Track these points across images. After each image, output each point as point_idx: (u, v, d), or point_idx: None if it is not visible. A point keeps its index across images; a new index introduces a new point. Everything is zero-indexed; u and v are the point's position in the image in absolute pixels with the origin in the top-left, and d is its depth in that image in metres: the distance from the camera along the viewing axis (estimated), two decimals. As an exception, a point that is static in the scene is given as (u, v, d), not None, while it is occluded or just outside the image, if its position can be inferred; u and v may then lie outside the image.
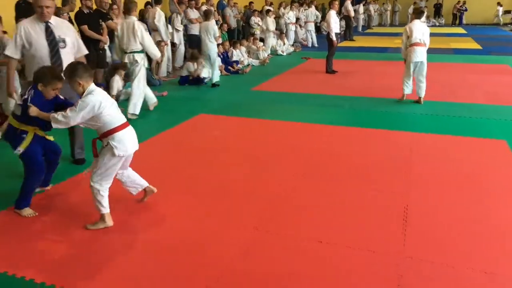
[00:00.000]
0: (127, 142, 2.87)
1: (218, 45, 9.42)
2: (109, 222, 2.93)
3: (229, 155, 4.30)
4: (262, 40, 11.75)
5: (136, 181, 3.19)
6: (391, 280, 2.36)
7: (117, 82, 6.73)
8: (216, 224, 2.97)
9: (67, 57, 3.66)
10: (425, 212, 3.10)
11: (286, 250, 2.66)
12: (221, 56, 9.31)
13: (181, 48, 9.72)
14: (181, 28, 9.60)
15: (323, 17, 20.41)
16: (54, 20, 3.67)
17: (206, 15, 7.80)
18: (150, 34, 8.18)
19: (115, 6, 7.71)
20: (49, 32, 3.60)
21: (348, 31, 15.60)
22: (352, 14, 15.19)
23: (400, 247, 2.65)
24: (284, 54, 12.23)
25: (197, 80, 7.96)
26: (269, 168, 3.95)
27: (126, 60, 5.64)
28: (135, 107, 5.62)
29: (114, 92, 6.66)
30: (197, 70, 8.03)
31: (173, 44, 9.39)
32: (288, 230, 2.89)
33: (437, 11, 24.77)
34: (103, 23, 6.87)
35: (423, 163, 4.04)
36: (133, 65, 5.63)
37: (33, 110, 2.86)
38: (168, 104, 6.52)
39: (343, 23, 15.90)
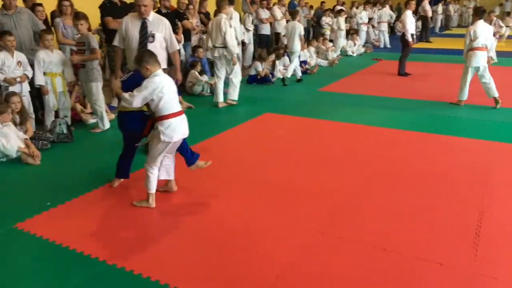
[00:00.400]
0: (175, 130, 3.06)
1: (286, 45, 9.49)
2: (152, 203, 3.16)
3: (292, 155, 4.31)
4: (331, 40, 11.60)
5: (169, 170, 3.36)
6: (459, 296, 2.25)
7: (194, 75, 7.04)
8: (277, 224, 3.00)
9: (154, 50, 3.80)
10: (500, 227, 2.90)
11: (348, 254, 2.62)
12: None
13: (250, 48, 9.87)
14: (251, 28, 9.75)
15: (398, 17, 19.71)
16: (152, 17, 4.16)
17: (293, 15, 8.30)
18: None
19: (191, 6, 8.03)
20: (143, 27, 4.09)
21: (425, 32, 14.88)
22: (430, 14, 14.47)
23: (470, 262, 2.51)
24: (354, 55, 11.95)
25: (265, 79, 8.05)
26: (332, 170, 3.91)
27: (216, 54, 6.17)
28: (234, 93, 6.35)
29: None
30: (264, 69, 8.13)
31: (243, 44, 9.57)
32: (350, 234, 2.84)
33: None
34: (178, 22, 7.19)
35: (502, 174, 3.77)
36: (221, 58, 6.17)
37: (115, 84, 3.32)
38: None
39: (419, 23, 15.21)
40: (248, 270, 2.48)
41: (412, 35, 8.67)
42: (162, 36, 4.19)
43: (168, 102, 3.02)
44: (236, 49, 6.39)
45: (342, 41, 11.62)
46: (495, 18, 10.38)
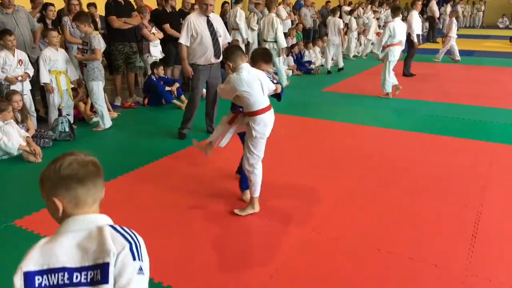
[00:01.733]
0: (266, 125, 2.91)
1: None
2: (257, 207, 3.05)
3: (292, 154, 4.30)
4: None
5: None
6: (452, 297, 2.23)
7: None
8: (272, 223, 3.00)
9: (221, 43, 4.59)
10: (497, 230, 2.87)
11: (342, 254, 2.61)
12: (294, 57, 9.33)
13: (254, 47, 9.87)
14: (256, 27, 9.75)
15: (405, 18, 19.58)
16: (211, 15, 4.56)
17: (333, 12, 9.28)
18: (229, 33, 8.49)
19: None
20: (210, 24, 4.50)
21: (432, 32, 14.78)
22: (437, 15, 14.38)
23: (465, 264, 2.49)
24: (359, 55, 11.90)
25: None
26: (329, 169, 3.90)
27: (266, 47, 7.02)
28: (282, 79, 7.36)
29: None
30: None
31: (247, 43, 9.58)
32: (345, 234, 2.84)
33: None
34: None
35: (503, 177, 3.74)
36: (271, 50, 7.03)
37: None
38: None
39: (427, 24, 15.12)
40: (242, 269, 2.48)
41: (418, 35, 8.61)
42: (223, 31, 4.65)
43: (254, 97, 2.80)
44: (284, 43, 7.45)
45: (354, 42, 11.57)
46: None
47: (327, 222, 3.00)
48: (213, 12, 4.63)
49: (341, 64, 9.47)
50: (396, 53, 6.70)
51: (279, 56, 7.33)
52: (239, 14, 8.48)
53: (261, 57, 3.10)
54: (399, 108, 6.20)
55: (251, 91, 2.79)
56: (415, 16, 8.52)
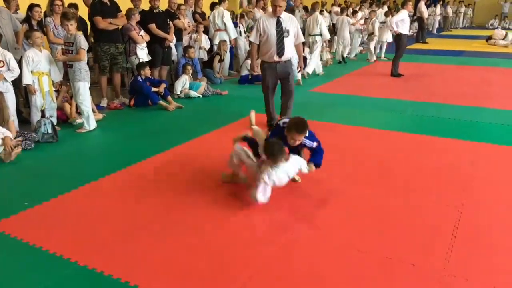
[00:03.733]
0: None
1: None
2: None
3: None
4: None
5: None
6: (429, 297, 2.23)
7: (182, 82, 6.98)
8: (252, 224, 2.98)
9: (289, 43, 4.83)
10: (477, 230, 2.87)
11: (322, 255, 2.60)
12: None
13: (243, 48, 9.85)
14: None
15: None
16: (284, 15, 4.77)
17: (342, 11, 10.97)
18: (214, 34, 8.47)
19: (183, 7, 8.02)
20: (278, 24, 4.74)
21: (421, 33, 14.87)
22: (426, 15, 14.46)
23: (443, 264, 2.49)
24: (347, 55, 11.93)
25: (257, 79, 8.02)
26: (317, 169, 3.88)
27: (310, 40, 8.70)
28: (311, 69, 8.70)
29: (178, 91, 6.92)
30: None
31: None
32: (325, 235, 2.83)
33: None
34: (170, 22, 7.19)
35: (484, 176, 3.75)
36: (314, 43, 8.74)
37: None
38: (225, 103, 6.68)
39: (416, 24, 15.21)
40: (220, 270, 2.46)
41: (405, 35, 8.66)
42: (294, 32, 4.83)
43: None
44: (328, 35, 8.99)
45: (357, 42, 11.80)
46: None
47: (307, 222, 2.99)
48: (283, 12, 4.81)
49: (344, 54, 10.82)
50: None
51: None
52: (226, 14, 8.49)
53: (294, 127, 3.21)
54: (386, 108, 6.22)
55: (277, 182, 3.14)
56: (404, 16, 8.57)
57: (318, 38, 8.70)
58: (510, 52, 12.56)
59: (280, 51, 4.77)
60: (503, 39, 14.46)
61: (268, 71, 4.94)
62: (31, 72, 4.85)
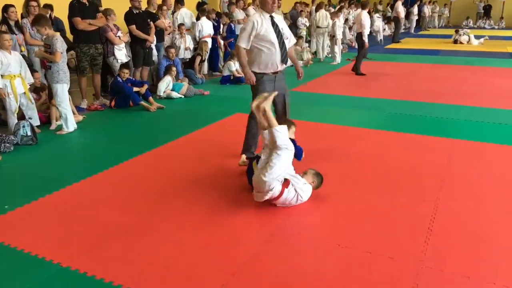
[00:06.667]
0: None
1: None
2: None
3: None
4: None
5: None
6: (406, 288, 2.31)
7: (166, 83, 6.97)
8: (234, 222, 3.03)
9: (288, 47, 3.95)
10: (451, 222, 2.98)
11: (303, 251, 2.67)
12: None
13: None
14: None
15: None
16: (274, 14, 3.92)
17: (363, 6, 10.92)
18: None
19: (164, 7, 7.99)
20: (275, 25, 3.85)
21: (396, 32, 15.15)
22: (402, 15, 14.73)
23: (420, 256, 2.58)
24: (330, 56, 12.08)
25: (238, 80, 8.08)
26: (297, 166, 3.93)
27: (320, 32, 10.64)
28: (336, 56, 10.59)
29: (161, 92, 6.90)
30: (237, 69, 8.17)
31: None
32: (306, 231, 2.90)
33: (487, 12, 23.64)
34: (151, 22, 7.15)
35: (460, 171, 3.88)
36: (323, 35, 10.66)
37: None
38: (207, 103, 6.70)
39: (393, 24, 15.49)
40: (203, 268, 2.49)
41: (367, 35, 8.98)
42: (288, 31, 4.01)
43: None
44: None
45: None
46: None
47: (288, 218, 3.05)
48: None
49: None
50: None
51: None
52: (191, 15, 8.65)
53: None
54: (364, 106, 6.34)
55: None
56: (365, 16, 8.80)
57: (325, 29, 10.66)
58: (484, 51, 12.92)
59: (284, 57, 3.90)
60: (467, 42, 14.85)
61: (267, 85, 3.91)
62: (2, 76, 4.72)
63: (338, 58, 10.81)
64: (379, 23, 14.61)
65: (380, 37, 14.61)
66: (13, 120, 4.81)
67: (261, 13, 3.86)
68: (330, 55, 11.06)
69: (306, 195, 3.20)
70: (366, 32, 8.72)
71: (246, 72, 3.89)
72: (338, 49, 10.83)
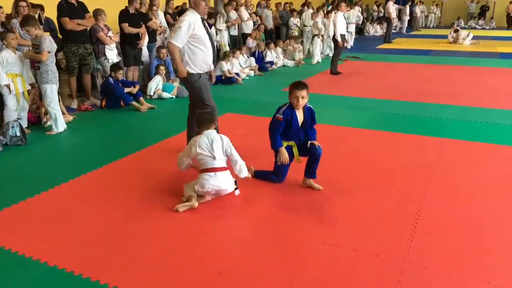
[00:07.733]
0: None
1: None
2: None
3: (245, 152, 4.32)
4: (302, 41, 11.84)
5: None
6: (388, 285, 2.34)
7: (156, 82, 6.97)
8: (221, 220, 3.04)
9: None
10: (436, 220, 3.03)
11: (289, 249, 2.69)
12: (256, 57, 9.43)
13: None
14: (223, 27, 9.76)
15: (366, 19, 20.09)
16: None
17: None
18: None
19: (154, 8, 7.98)
20: (205, 26, 4.04)
21: (387, 32, 15.24)
22: (393, 16, 14.82)
23: (404, 253, 2.62)
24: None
25: (230, 80, 8.10)
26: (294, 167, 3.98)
27: (306, 30, 11.26)
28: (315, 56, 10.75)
29: (151, 92, 6.91)
30: (229, 69, 8.19)
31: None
32: (293, 229, 2.92)
33: (482, 13, 23.80)
34: (143, 24, 7.15)
35: (447, 170, 3.93)
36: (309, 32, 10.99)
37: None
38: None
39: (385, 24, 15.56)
40: (189, 266, 2.51)
41: (341, 35, 9.05)
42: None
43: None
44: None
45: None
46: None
47: (273, 216, 3.08)
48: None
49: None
50: None
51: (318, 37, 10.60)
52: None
53: (294, 85, 3.69)
54: (354, 106, 6.39)
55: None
56: (339, 17, 8.93)
57: (309, 28, 11.30)
58: (475, 51, 13.03)
59: (214, 57, 4.16)
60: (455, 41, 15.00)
61: (203, 83, 4.10)
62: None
63: (318, 57, 10.88)
64: (354, 19, 14.24)
65: (350, 43, 13.76)
66: (13, 117, 4.80)
67: (193, 14, 3.93)
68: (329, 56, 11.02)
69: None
70: (338, 32, 8.89)
71: (180, 69, 3.96)
72: (317, 48, 10.90)
